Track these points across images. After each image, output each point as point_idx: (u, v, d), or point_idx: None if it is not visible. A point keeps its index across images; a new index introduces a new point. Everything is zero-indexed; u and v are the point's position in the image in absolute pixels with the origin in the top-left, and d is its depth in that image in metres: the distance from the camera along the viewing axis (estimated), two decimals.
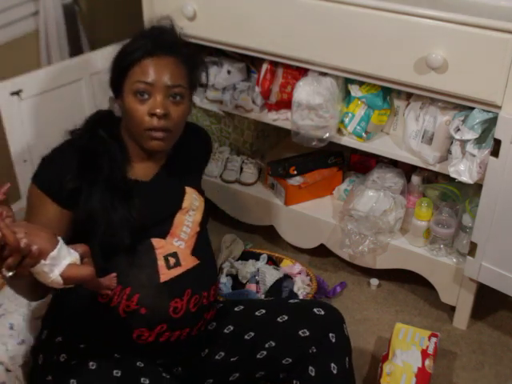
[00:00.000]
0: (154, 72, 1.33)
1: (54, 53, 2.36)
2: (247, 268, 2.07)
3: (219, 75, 2.16)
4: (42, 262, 1.10)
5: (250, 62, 2.21)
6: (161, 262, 1.35)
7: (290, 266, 2.13)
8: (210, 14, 1.97)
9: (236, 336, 1.46)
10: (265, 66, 2.04)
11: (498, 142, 1.62)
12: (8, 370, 1.42)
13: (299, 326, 1.43)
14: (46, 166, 1.34)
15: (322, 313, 1.45)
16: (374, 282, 2.20)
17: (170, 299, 1.34)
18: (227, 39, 1.99)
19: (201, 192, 1.52)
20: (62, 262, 1.13)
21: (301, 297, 2.01)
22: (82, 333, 1.36)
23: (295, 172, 2.18)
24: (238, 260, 2.15)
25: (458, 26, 1.59)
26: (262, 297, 1.99)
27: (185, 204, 1.43)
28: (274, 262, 2.16)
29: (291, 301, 1.54)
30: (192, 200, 1.45)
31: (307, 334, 1.41)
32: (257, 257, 2.15)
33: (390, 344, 1.76)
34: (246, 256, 2.17)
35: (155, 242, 1.36)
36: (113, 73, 1.41)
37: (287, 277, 2.07)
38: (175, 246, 1.38)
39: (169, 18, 1.46)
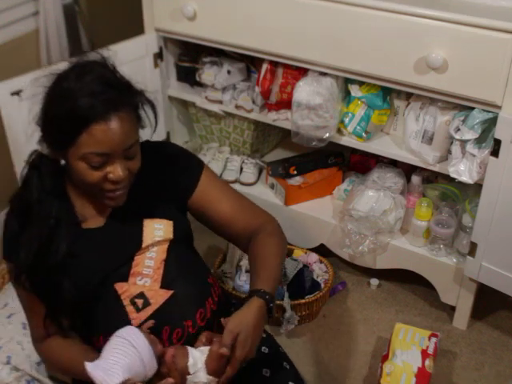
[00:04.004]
0: (108, 140, 1.16)
1: (53, 53, 2.36)
2: None
3: (219, 75, 2.16)
4: (188, 377, 1.17)
5: (249, 62, 2.21)
6: (129, 307, 1.28)
7: (304, 255, 2.15)
8: (210, 14, 1.97)
9: None
10: (265, 66, 2.04)
11: (497, 142, 1.62)
12: (17, 370, 1.42)
13: None
14: (3, 237, 1.31)
15: None
16: (374, 281, 2.20)
17: None
18: (227, 39, 1.99)
19: (169, 216, 1.37)
20: (199, 363, 1.18)
21: (322, 284, 2.04)
22: None
23: (295, 172, 2.18)
24: None
25: (458, 25, 1.59)
26: (285, 288, 1.99)
27: (144, 242, 1.32)
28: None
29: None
30: (153, 233, 1.33)
31: None
32: None
33: (390, 344, 1.76)
34: None
35: (118, 286, 1.29)
36: (48, 127, 1.22)
37: (305, 266, 2.09)
38: (140, 286, 1.29)
39: (97, 52, 1.27)
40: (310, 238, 2.20)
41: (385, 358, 1.75)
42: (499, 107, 1.63)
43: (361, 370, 1.88)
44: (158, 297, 1.29)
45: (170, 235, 1.34)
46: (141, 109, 1.27)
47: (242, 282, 2.02)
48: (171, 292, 1.30)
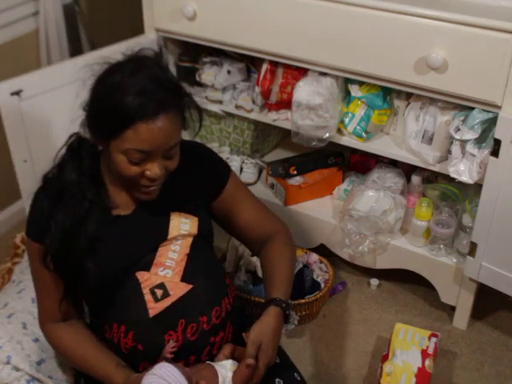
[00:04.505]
0: (152, 139, 1.18)
1: (53, 53, 2.37)
2: None
3: (219, 75, 2.16)
4: None
5: (249, 62, 2.21)
6: (148, 296, 1.30)
7: (304, 255, 2.15)
8: (209, 14, 1.97)
9: None
10: (265, 66, 2.04)
11: (497, 142, 1.62)
12: (17, 370, 1.42)
13: None
14: (29, 216, 1.33)
15: None
16: (374, 281, 2.20)
17: (162, 333, 1.29)
18: (227, 39, 1.99)
19: (195, 212, 1.40)
20: (227, 380, 1.24)
21: (322, 284, 2.04)
22: None
23: (295, 172, 2.18)
24: (253, 255, 2.13)
25: (458, 25, 1.59)
26: None
27: (171, 234, 1.34)
28: None
29: None
30: (179, 226, 1.36)
31: None
32: None
33: (390, 344, 1.76)
34: None
35: (139, 275, 1.31)
36: (95, 115, 1.24)
37: (305, 266, 2.09)
38: (161, 276, 1.31)
39: (152, 49, 1.31)
40: (310, 238, 2.20)
41: (385, 358, 1.75)
42: (499, 107, 1.63)
43: (361, 370, 1.88)
44: (178, 289, 1.31)
45: (195, 230, 1.38)
46: (186, 111, 1.29)
47: (242, 281, 2.02)
48: (190, 286, 1.33)
